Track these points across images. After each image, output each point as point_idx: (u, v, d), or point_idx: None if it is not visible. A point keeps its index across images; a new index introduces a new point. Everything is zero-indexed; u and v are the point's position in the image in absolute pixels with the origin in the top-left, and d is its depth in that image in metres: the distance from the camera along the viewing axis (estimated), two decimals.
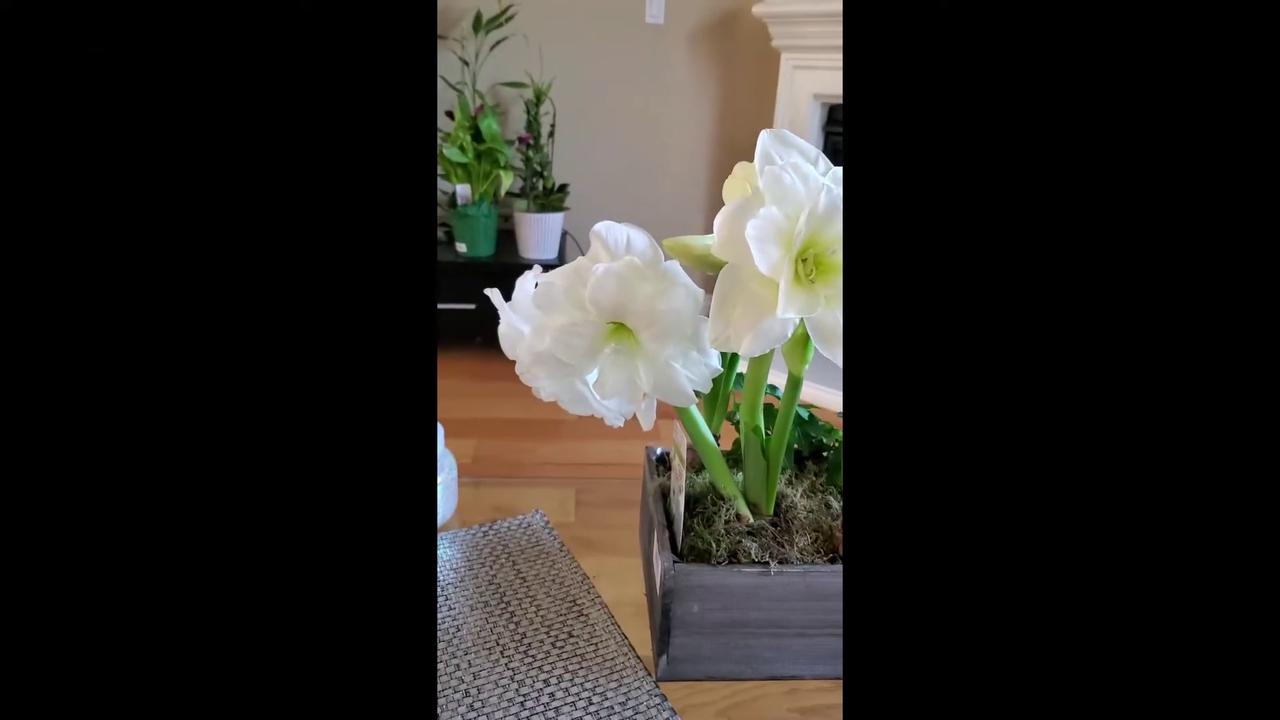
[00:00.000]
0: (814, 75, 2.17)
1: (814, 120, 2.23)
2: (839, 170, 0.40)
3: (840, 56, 2.07)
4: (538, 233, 2.25)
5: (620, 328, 0.48)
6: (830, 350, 0.39)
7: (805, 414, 0.59)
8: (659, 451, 0.64)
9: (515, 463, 1.73)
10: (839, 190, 0.38)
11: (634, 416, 0.51)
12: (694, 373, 0.49)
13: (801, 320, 0.40)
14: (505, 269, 2.20)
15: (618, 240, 0.47)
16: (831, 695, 0.51)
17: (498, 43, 2.26)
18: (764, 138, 0.40)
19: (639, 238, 0.47)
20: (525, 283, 0.53)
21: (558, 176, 2.34)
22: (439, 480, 0.68)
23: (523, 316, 0.52)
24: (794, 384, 0.47)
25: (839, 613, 0.50)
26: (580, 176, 2.42)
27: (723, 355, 0.53)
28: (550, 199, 2.27)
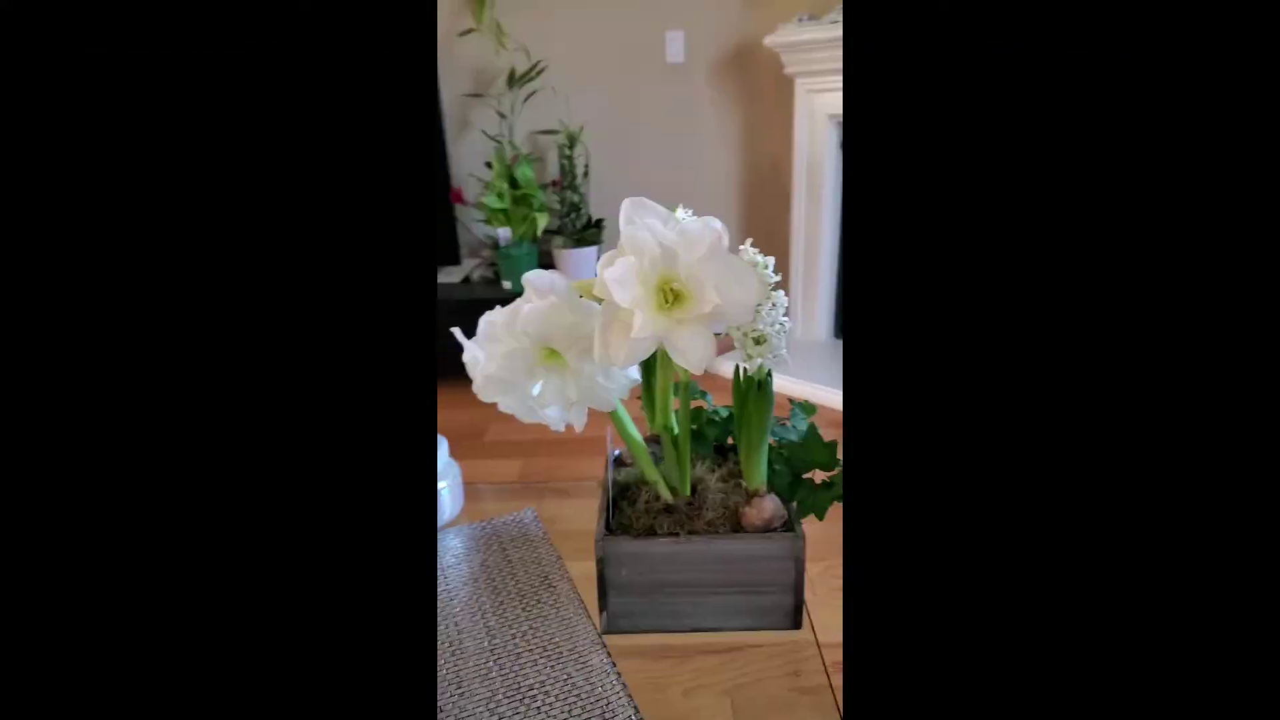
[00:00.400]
0: (828, 97, 2.27)
1: (831, 139, 2.32)
2: (689, 222, 0.53)
3: None
4: (575, 265, 2.42)
5: (552, 351, 0.61)
6: (680, 359, 0.51)
7: (725, 412, 0.70)
8: (616, 453, 0.77)
9: (553, 475, 1.87)
10: (678, 238, 0.50)
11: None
12: (614, 383, 0.62)
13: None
14: None
15: (543, 284, 0.60)
16: (743, 637, 0.62)
17: (529, 95, 2.46)
18: (625, 205, 0.53)
19: (559, 281, 0.60)
20: (485, 319, 0.67)
21: (595, 212, 2.51)
22: (444, 485, 0.82)
23: (481, 347, 0.66)
24: (683, 387, 0.59)
25: (745, 574, 0.61)
26: (616, 211, 2.58)
27: (644, 368, 0.65)
28: (585, 234, 2.43)
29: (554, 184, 2.44)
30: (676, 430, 0.63)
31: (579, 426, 0.63)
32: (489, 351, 0.62)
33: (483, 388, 0.63)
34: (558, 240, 2.44)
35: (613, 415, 0.64)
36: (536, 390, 0.63)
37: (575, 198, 2.44)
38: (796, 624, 0.62)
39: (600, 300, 0.59)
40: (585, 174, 2.51)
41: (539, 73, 2.43)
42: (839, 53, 2.14)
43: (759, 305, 0.56)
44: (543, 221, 2.31)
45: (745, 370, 0.60)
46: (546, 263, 2.55)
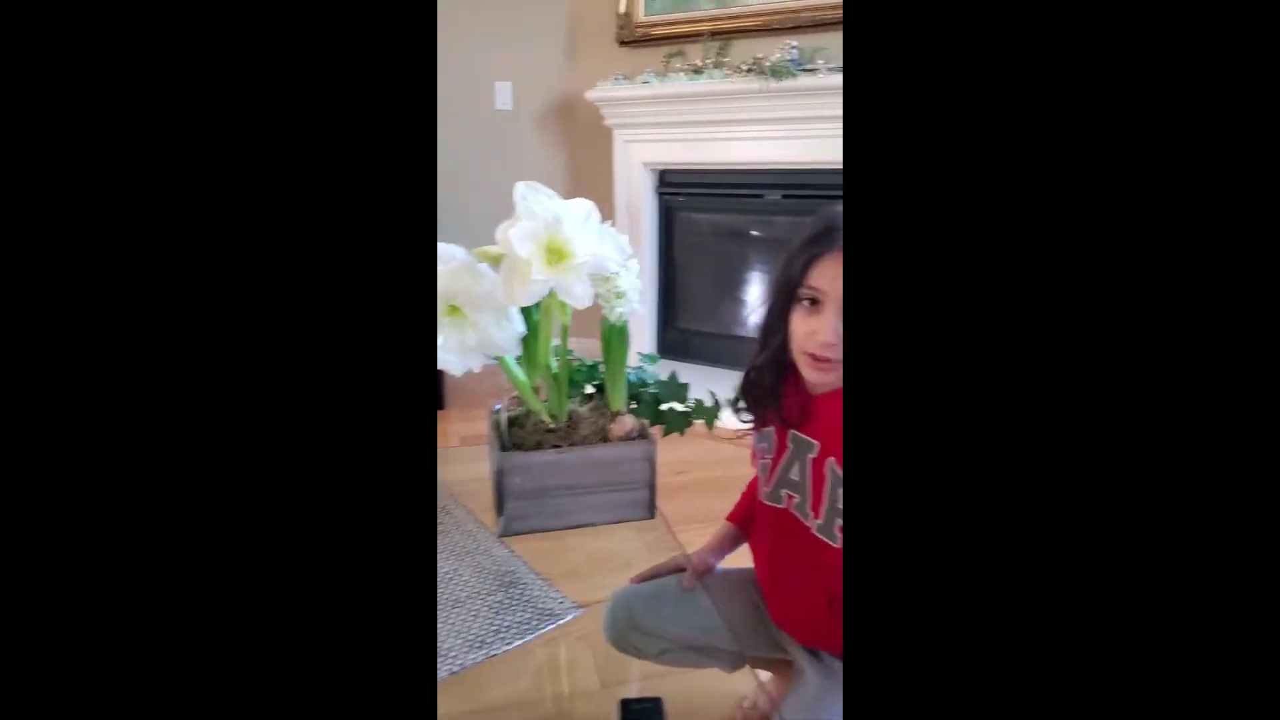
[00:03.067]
0: (643, 147, 2.59)
1: (647, 185, 2.63)
2: (567, 202, 0.72)
3: (660, 131, 2.49)
4: None
5: (454, 308, 0.77)
6: (567, 298, 0.69)
7: (590, 363, 0.89)
8: (498, 406, 0.92)
9: None
10: (561, 210, 0.69)
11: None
12: (504, 332, 0.78)
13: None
14: None
15: (446, 253, 0.76)
16: (613, 529, 0.80)
17: None
18: (519, 187, 0.71)
19: (460, 251, 0.76)
20: None
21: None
22: None
23: None
24: (562, 330, 0.78)
25: (612, 475, 0.79)
26: (453, 241, 2.70)
27: (528, 320, 0.82)
28: None
29: None
30: (556, 369, 0.81)
31: (476, 368, 0.79)
32: None
33: None
34: None
35: (501, 361, 0.81)
36: (441, 340, 0.77)
37: None
38: (651, 514, 0.82)
39: (496, 263, 0.76)
40: None
41: None
42: (651, 108, 2.47)
43: (620, 268, 0.76)
44: None
45: (610, 319, 0.79)
46: None
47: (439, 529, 0.81)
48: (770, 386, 0.68)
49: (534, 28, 2.70)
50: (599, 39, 2.65)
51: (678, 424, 0.82)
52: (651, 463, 0.80)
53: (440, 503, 0.86)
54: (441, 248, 0.76)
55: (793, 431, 0.67)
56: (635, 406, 0.82)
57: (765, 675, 0.83)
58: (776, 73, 2.08)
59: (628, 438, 0.80)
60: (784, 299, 0.65)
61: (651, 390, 0.79)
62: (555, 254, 0.70)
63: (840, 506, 0.62)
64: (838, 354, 0.60)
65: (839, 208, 0.61)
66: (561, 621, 0.65)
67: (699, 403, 0.82)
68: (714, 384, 0.86)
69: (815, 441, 0.65)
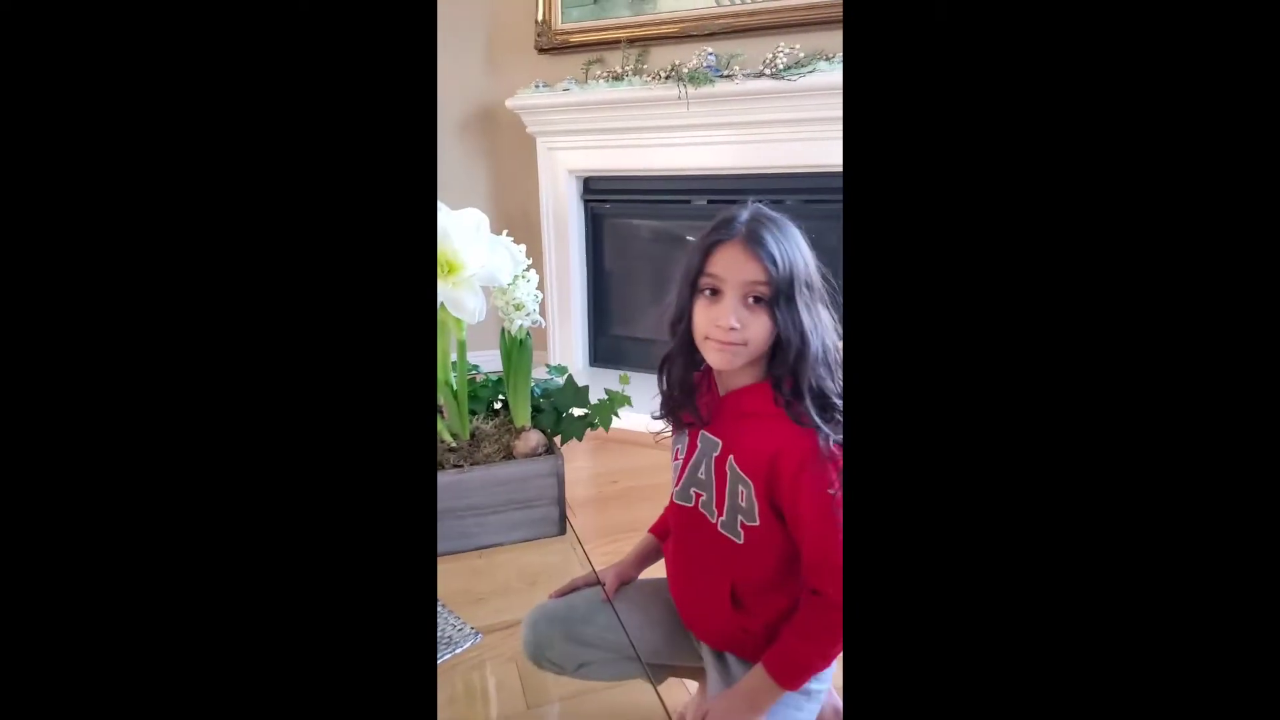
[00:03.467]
0: (567, 154, 2.57)
1: (573, 191, 2.62)
2: (455, 213, 0.69)
3: (583, 138, 2.48)
4: None
5: None
6: (459, 312, 0.67)
7: (494, 378, 0.86)
8: None
9: None
10: (448, 222, 0.67)
11: None
12: None
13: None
14: None
15: None
16: (522, 549, 0.78)
17: None
18: None
19: None
20: None
21: None
22: None
23: None
24: (459, 346, 0.75)
25: (518, 492, 0.77)
26: None
27: None
28: None
29: None
30: (455, 385, 0.78)
31: None
32: None
33: None
34: None
35: None
36: None
37: None
38: (562, 530, 0.80)
39: None
40: None
41: None
42: (573, 115, 2.45)
43: (516, 278, 0.74)
44: None
45: (510, 332, 0.77)
46: None
47: None
48: (684, 382, 0.67)
49: (451, 36, 2.65)
50: (518, 47, 2.62)
51: (575, 430, 0.80)
52: (559, 478, 0.78)
53: None
54: None
55: (702, 431, 0.67)
56: (537, 418, 0.80)
57: (694, 685, 0.82)
58: (694, 79, 2.10)
59: (533, 454, 0.78)
60: (687, 289, 0.65)
61: (550, 399, 0.77)
62: (444, 266, 0.67)
63: (741, 504, 0.62)
64: (738, 337, 0.60)
65: (740, 207, 0.62)
66: (459, 650, 0.62)
67: (598, 403, 0.80)
68: (650, 388, 0.85)
69: (719, 440, 0.65)
